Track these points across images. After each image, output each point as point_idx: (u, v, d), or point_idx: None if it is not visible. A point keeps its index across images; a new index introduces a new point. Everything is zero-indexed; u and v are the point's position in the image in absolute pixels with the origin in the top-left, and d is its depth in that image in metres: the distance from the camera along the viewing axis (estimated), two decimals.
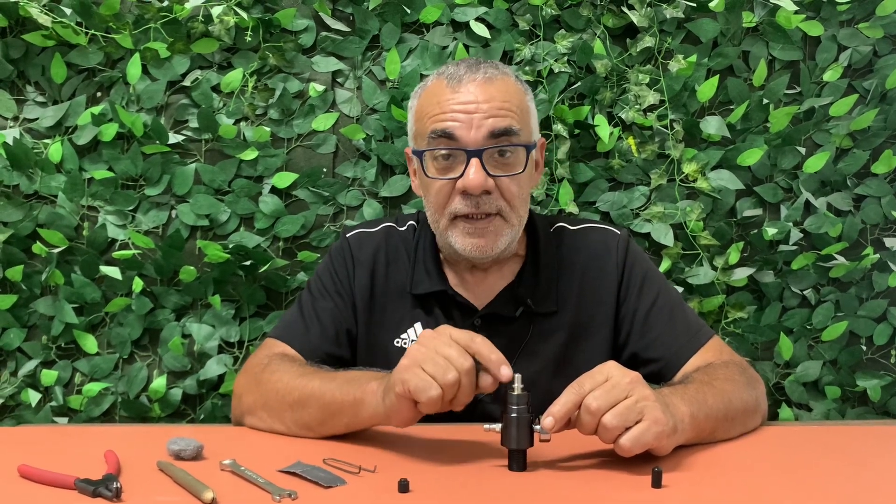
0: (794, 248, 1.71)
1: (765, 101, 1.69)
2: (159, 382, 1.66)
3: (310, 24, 1.68)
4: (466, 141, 1.12)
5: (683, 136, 1.69)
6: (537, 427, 0.90)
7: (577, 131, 1.70)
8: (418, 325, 1.23)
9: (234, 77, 1.65)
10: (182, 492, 0.83)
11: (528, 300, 1.21)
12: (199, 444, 0.94)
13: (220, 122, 1.67)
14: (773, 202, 1.72)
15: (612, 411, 0.87)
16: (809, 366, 1.72)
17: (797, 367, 1.73)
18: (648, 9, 1.65)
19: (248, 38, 1.65)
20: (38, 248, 1.63)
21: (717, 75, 1.67)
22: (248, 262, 1.64)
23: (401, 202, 1.71)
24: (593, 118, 1.67)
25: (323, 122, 1.68)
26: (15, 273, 1.63)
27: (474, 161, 1.12)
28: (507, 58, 1.70)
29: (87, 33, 1.63)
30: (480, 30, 1.66)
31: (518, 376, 0.91)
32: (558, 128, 1.67)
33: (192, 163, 1.68)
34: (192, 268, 1.65)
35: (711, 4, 1.64)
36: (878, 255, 1.70)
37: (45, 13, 1.59)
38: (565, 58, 1.68)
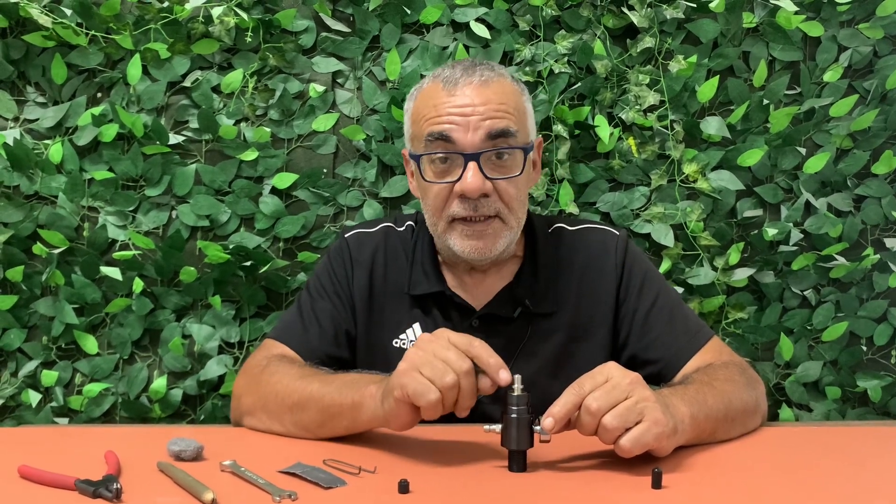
0: (795, 248, 1.71)
1: (765, 101, 1.69)
2: (159, 383, 1.66)
3: (310, 24, 1.68)
4: (463, 144, 1.12)
5: (684, 137, 1.69)
6: (537, 428, 0.90)
7: (577, 132, 1.70)
8: (417, 326, 1.23)
9: (234, 78, 1.65)
10: (182, 493, 0.83)
11: (526, 301, 1.20)
12: (199, 444, 0.94)
13: (220, 122, 1.67)
14: (773, 203, 1.72)
15: (613, 412, 0.87)
16: (810, 366, 1.72)
17: (797, 367, 1.73)
18: (648, 9, 1.65)
19: (249, 39, 1.65)
20: (38, 248, 1.63)
21: (718, 76, 1.67)
22: (248, 263, 1.64)
23: (401, 203, 1.71)
24: (593, 119, 1.67)
25: (323, 122, 1.68)
26: (15, 274, 1.63)
27: (472, 164, 1.11)
28: (507, 58, 1.70)
29: (87, 34, 1.63)
30: (480, 30, 1.66)
31: (518, 377, 0.91)
32: (558, 128, 1.67)
33: (192, 163, 1.68)
34: (192, 268, 1.65)
35: (712, 5, 1.64)
36: (878, 256, 1.70)
37: (46, 14, 1.59)
38: (565, 58, 1.68)
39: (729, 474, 0.91)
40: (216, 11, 1.62)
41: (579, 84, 1.69)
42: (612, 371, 0.91)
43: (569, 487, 0.86)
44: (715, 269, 1.70)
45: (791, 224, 1.70)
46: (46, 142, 1.66)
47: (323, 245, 1.69)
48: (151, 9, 1.63)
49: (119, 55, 1.66)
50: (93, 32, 1.63)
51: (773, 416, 1.72)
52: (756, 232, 1.71)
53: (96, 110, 1.64)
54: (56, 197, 1.66)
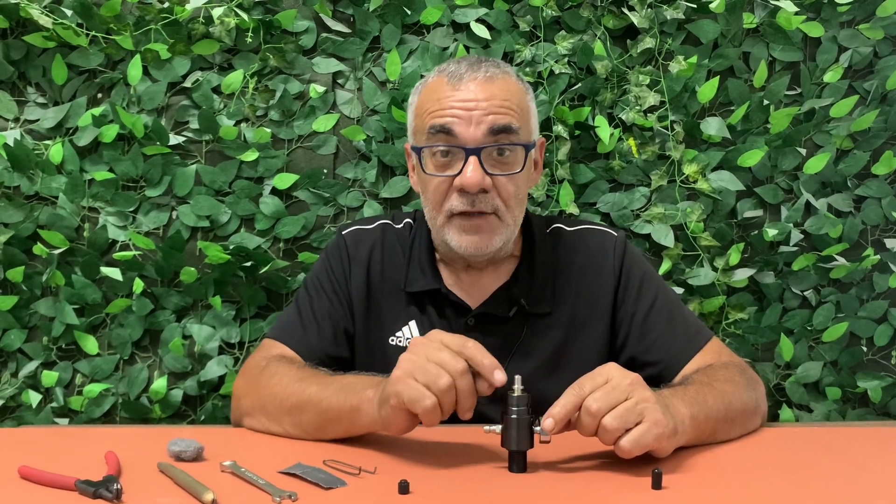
0: (795, 249, 1.71)
1: (765, 102, 1.69)
2: (160, 383, 1.66)
3: (310, 25, 1.68)
4: (465, 138, 1.12)
5: (684, 138, 1.69)
6: (537, 428, 0.89)
7: (577, 132, 1.70)
8: (413, 324, 1.23)
9: (234, 78, 1.65)
10: (182, 493, 0.83)
11: (522, 300, 1.20)
12: (199, 445, 0.94)
13: (220, 123, 1.67)
14: (773, 203, 1.72)
15: (612, 413, 0.87)
16: (810, 367, 1.72)
17: (798, 368, 1.73)
18: (649, 10, 1.66)
19: (249, 40, 1.65)
20: (38, 249, 1.63)
21: (718, 76, 1.67)
22: (248, 263, 1.64)
23: (401, 203, 1.71)
24: (594, 119, 1.67)
25: (323, 123, 1.68)
26: (16, 274, 1.63)
27: (472, 159, 1.11)
28: (507, 59, 1.70)
29: (87, 35, 1.63)
30: (481, 31, 1.66)
31: (518, 378, 0.91)
32: (559, 129, 1.67)
33: (192, 164, 1.68)
34: (192, 269, 1.65)
35: (712, 6, 1.64)
36: (878, 256, 1.70)
37: (46, 14, 1.59)
38: (566, 59, 1.68)
39: (729, 475, 0.91)
40: (217, 12, 1.62)
41: (579, 85, 1.69)
42: (612, 372, 0.91)
43: (569, 488, 0.86)
44: (715, 269, 1.70)
45: (791, 224, 1.70)
46: (47, 142, 1.66)
47: (323, 245, 1.69)
48: (152, 9, 1.63)
49: (119, 56, 1.66)
50: (93, 33, 1.63)
51: (773, 417, 1.72)
52: (756, 232, 1.71)
53: (97, 111, 1.64)
54: (56, 197, 1.66)
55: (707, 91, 1.66)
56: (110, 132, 1.64)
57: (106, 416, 1.68)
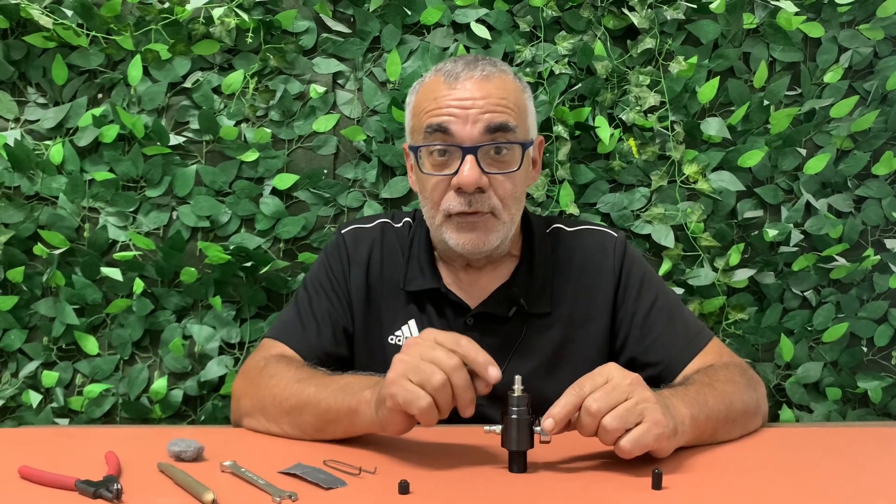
0: (795, 249, 1.71)
1: (765, 102, 1.69)
2: (160, 384, 1.66)
3: (310, 25, 1.68)
4: (462, 137, 1.12)
5: (684, 138, 1.69)
6: (537, 429, 0.89)
7: (577, 133, 1.70)
8: (412, 323, 1.23)
9: (234, 78, 1.65)
10: (182, 493, 0.83)
11: (521, 300, 1.20)
12: (199, 445, 0.94)
13: (220, 123, 1.67)
14: (773, 203, 1.72)
15: (613, 413, 0.87)
16: (810, 367, 1.72)
17: (798, 368, 1.73)
18: (649, 10, 1.66)
19: (249, 40, 1.65)
20: (38, 249, 1.63)
21: (718, 77, 1.67)
22: (248, 264, 1.64)
23: (401, 203, 1.71)
24: (594, 119, 1.67)
25: (324, 123, 1.68)
26: (16, 274, 1.63)
27: (469, 158, 1.11)
28: (507, 59, 1.70)
29: (88, 35, 1.63)
30: (481, 31, 1.66)
31: (518, 378, 0.91)
32: (559, 129, 1.67)
33: (192, 164, 1.68)
34: (192, 269, 1.65)
35: (712, 6, 1.64)
36: (878, 257, 1.70)
37: (47, 15, 1.59)
38: (566, 59, 1.68)
39: (729, 475, 0.91)
40: (217, 12, 1.62)
41: (580, 85, 1.69)
42: (612, 372, 0.91)
43: (569, 488, 0.86)
44: (715, 269, 1.70)
45: (791, 225, 1.70)
46: (47, 142, 1.66)
47: (323, 246, 1.69)
48: (152, 10, 1.63)
49: (120, 56, 1.66)
50: (93, 33, 1.63)
51: (773, 417, 1.72)
52: (756, 233, 1.71)
53: (97, 111, 1.64)
54: (57, 198, 1.66)
55: (707, 91, 1.66)
56: (111, 132, 1.64)
57: (106, 416, 1.68)
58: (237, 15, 1.63)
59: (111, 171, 1.66)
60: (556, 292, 1.23)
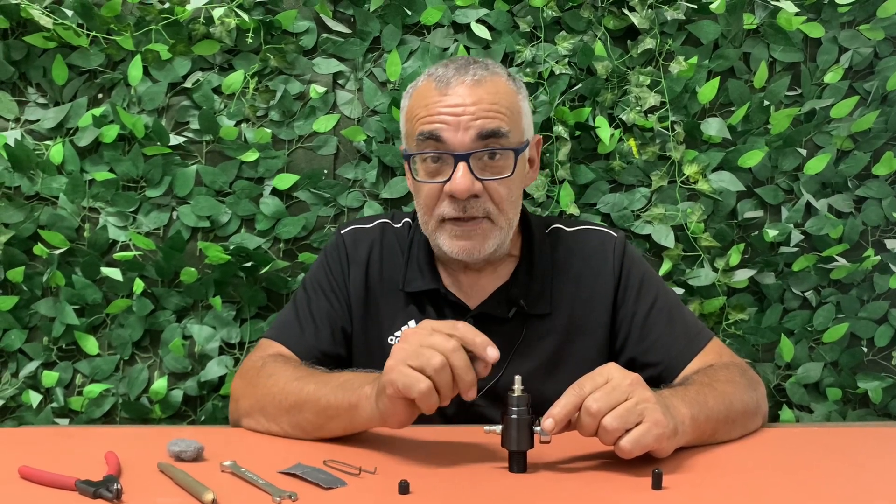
0: (795, 249, 1.71)
1: (765, 102, 1.69)
2: (160, 384, 1.66)
3: (311, 25, 1.68)
4: (454, 144, 1.12)
5: (684, 138, 1.69)
6: (537, 429, 0.89)
7: (577, 133, 1.70)
8: (412, 323, 1.23)
9: (235, 79, 1.65)
10: (182, 493, 0.83)
11: (521, 301, 1.20)
12: (199, 445, 0.94)
13: (221, 123, 1.67)
14: (773, 204, 1.72)
15: (613, 413, 0.87)
16: (810, 367, 1.72)
17: (798, 368, 1.73)
18: (649, 10, 1.66)
19: (250, 40, 1.65)
20: (39, 249, 1.63)
21: (718, 77, 1.67)
22: (248, 264, 1.64)
23: (401, 204, 1.71)
24: (594, 120, 1.67)
25: (324, 123, 1.68)
26: (16, 274, 1.63)
27: (461, 165, 1.11)
28: (507, 59, 1.70)
29: (88, 35, 1.63)
30: (481, 31, 1.66)
31: (518, 378, 0.91)
32: (559, 129, 1.67)
33: (193, 164, 1.68)
34: (192, 269, 1.65)
35: (712, 6, 1.64)
36: (879, 257, 1.70)
37: (47, 15, 1.60)
38: (566, 59, 1.68)
39: (729, 475, 0.91)
40: (217, 13, 1.62)
41: (580, 85, 1.69)
42: (612, 372, 0.91)
43: (569, 488, 0.86)
44: (715, 270, 1.70)
45: (792, 225, 1.70)
46: (47, 142, 1.66)
47: (323, 246, 1.69)
48: (152, 10, 1.63)
49: (120, 56, 1.66)
50: (94, 33, 1.63)
51: (773, 418, 1.72)
52: (757, 233, 1.71)
53: (97, 111, 1.64)
54: (57, 198, 1.66)
55: (707, 92, 1.66)
56: (111, 132, 1.64)
57: (106, 416, 1.68)
58: (237, 15, 1.63)
59: (111, 171, 1.66)
60: (555, 293, 1.23)
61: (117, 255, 1.65)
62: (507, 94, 1.16)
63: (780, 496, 0.84)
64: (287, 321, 1.26)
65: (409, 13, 1.67)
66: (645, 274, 1.26)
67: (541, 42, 1.68)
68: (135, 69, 1.63)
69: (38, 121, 1.66)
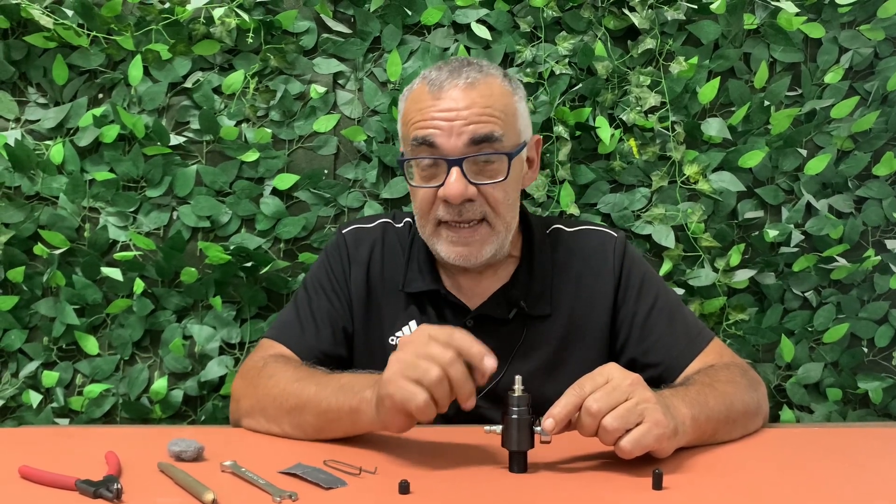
0: (796, 249, 1.71)
1: (766, 102, 1.69)
2: (160, 384, 1.66)
3: (311, 25, 1.68)
4: (447, 149, 1.11)
5: (684, 138, 1.69)
6: (538, 429, 0.89)
7: (578, 133, 1.70)
8: (413, 324, 1.22)
9: (235, 79, 1.65)
10: (183, 493, 0.83)
11: (521, 302, 1.20)
12: (199, 445, 0.94)
13: (221, 123, 1.67)
14: (774, 204, 1.72)
15: (613, 413, 0.87)
16: (811, 368, 1.72)
17: (798, 369, 1.73)
18: (649, 11, 1.66)
19: (250, 40, 1.65)
20: (39, 249, 1.63)
21: (719, 77, 1.67)
22: (249, 264, 1.64)
23: (402, 204, 1.71)
24: (594, 120, 1.67)
25: (324, 123, 1.68)
26: (16, 274, 1.63)
27: (454, 170, 1.10)
28: (507, 59, 1.70)
29: (88, 35, 1.63)
30: (481, 31, 1.66)
31: (519, 378, 0.91)
32: (559, 129, 1.67)
33: (193, 164, 1.68)
34: (193, 269, 1.65)
35: (712, 6, 1.64)
36: (879, 257, 1.70)
37: (47, 15, 1.60)
38: (566, 59, 1.68)
39: (730, 475, 0.91)
40: (217, 13, 1.62)
41: (580, 85, 1.69)
42: (612, 372, 0.91)
43: (569, 488, 0.86)
44: (716, 270, 1.70)
45: (792, 225, 1.70)
46: (48, 142, 1.66)
47: (324, 246, 1.69)
48: (153, 10, 1.63)
49: (120, 56, 1.66)
50: (94, 33, 1.63)
51: (773, 418, 1.72)
52: (757, 233, 1.71)
53: (97, 111, 1.64)
54: (57, 198, 1.66)
55: (708, 92, 1.66)
56: (111, 132, 1.64)
57: (106, 416, 1.68)
58: (237, 15, 1.63)
59: (112, 171, 1.66)
60: (556, 293, 1.23)
61: (117, 255, 1.65)
62: (501, 96, 1.15)
63: (780, 496, 0.84)
64: (288, 321, 1.26)
65: (410, 13, 1.67)
66: (645, 274, 1.26)
67: (541, 42, 1.68)
68: (135, 69, 1.63)
69: (38, 121, 1.66)
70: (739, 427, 1.07)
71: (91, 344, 1.67)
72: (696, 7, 1.66)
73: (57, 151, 1.65)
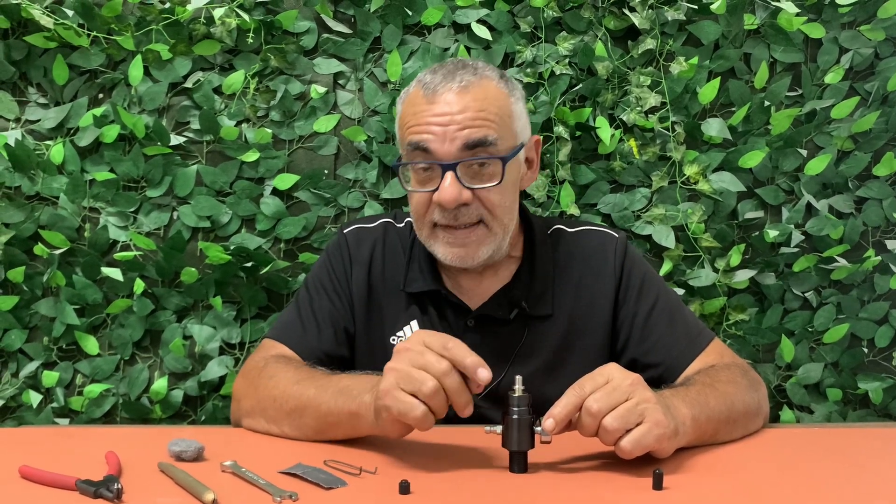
0: (796, 250, 1.71)
1: (766, 103, 1.69)
2: (160, 384, 1.66)
3: (311, 25, 1.68)
4: (441, 154, 1.11)
5: (685, 139, 1.69)
6: (538, 429, 0.89)
7: (578, 133, 1.70)
8: (414, 324, 1.22)
9: (235, 79, 1.65)
10: (183, 493, 0.83)
11: (522, 302, 1.20)
12: (199, 445, 0.94)
13: (221, 123, 1.67)
14: (774, 204, 1.72)
15: (613, 413, 0.87)
16: (811, 368, 1.72)
17: (798, 369, 1.73)
18: (650, 11, 1.66)
19: (250, 40, 1.65)
20: (39, 249, 1.63)
21: (719, 77, 1.67)
22: (249, 264, 1.64)
23: (402, 204, 1.71)
24: (594, 120, 1.67)
25: (324, 123, 1.68)
26: (16, 274, 1.63)
27: (448, 175, 1.10)
28: (508, 60, 1.70)
29: (89, 35, 1.63)
30: (482, 32, 1.66)
31: (519, 378, 0.91)
32: (559, 130, 1.67)
33: (193, 164, 1.68)
34: (193, 269, 1.65)
35: (713, 7, 1.64)
36: (879, 258, 1.70)
37: (48, 15, 1.60)
38: (567, 60, 1.68)
39: (730, 475, 0.91)
40: (218, 13, 1.62)
41: (580, 85, 1.69)
42: (612, 372, 0.91)
43: (569, 488, 0.86)
44: (716, 270, 1.70)
45: (792, 226, 1.70)
46: (48, 142, 1.66)
47: (324, 246, 1.69)
48: (153, 10, 1.63)
49: (120, 56, 1.66)
50: (94, 33, 1.63)
51: (774, 418, 1.72)
52: (757, 233, 1.71)
53: (98, 111, 1.64)
54: (57, 198, 1.66)
55: (708, 92, 1.66)
56: (111, 132, 1.64)
57: (106, 416, 1.68)
58: (238, 15, 1.63)
59: (112, 171, 1.66)
60: (557, 294, 1.23)
61: (118, 255, 1.65)
62: (496, 98, 1.14)
63: (780, 496, 0.84)
64: (289, 321, 1.26)
65: (410, 13, 1.67)
66: (646, 274, 1.26)
67: (541, 42, 1.68)
68: (135, 69, 1.63)
69: (38, 121, 1.66)
70: (740, 427, 1.07)
71: (91, 344, 1.67)
72: (696, 7, 1.66)
73: (57, 151, 1.65)
